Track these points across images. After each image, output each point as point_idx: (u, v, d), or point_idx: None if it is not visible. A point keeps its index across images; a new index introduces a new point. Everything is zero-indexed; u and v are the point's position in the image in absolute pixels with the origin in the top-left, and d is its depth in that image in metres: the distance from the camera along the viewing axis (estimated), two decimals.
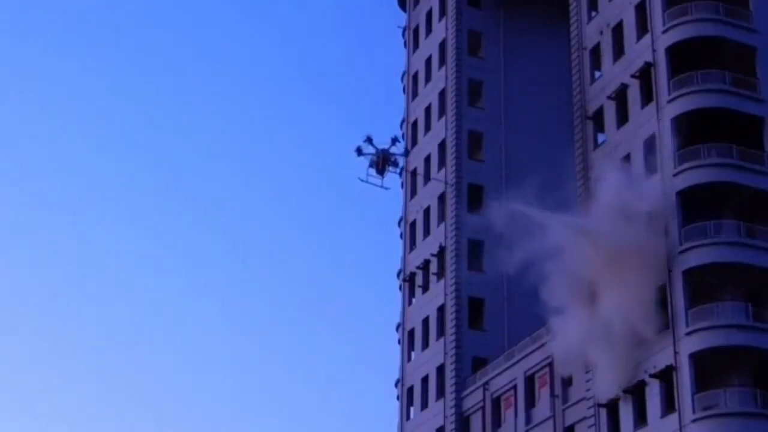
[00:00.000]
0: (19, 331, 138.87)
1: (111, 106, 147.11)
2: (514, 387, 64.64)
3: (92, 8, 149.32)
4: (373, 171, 59.21)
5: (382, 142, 69.26)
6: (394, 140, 58.43)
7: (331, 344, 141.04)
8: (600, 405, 56.68)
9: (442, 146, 76.47)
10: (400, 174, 70.04)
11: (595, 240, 55.72)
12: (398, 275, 78.58)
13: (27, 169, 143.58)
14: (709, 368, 52.95)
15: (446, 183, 73.15)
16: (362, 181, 58.29)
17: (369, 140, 56.89)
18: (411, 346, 75.85)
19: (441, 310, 72.43)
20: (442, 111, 77.87)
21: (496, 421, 66.10)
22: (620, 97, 61.51)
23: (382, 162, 56.40)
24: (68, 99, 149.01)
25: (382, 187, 59.85)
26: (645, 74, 59.96)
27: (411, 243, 77.80)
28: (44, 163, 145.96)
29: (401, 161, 60.57)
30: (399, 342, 77.07)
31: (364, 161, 62.39)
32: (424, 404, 72.56)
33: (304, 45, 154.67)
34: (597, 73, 64.86)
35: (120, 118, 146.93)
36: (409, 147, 79.12)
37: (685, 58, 58.79)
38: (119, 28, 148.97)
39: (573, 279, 56.34)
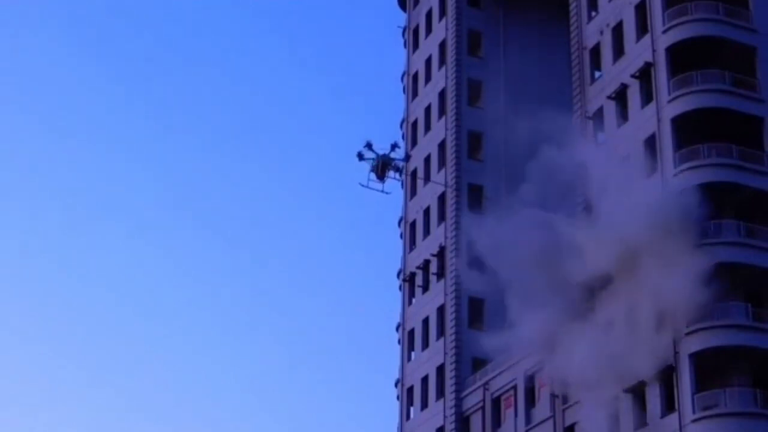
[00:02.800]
0: (19, 334, 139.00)
1: (111, 107, 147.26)
2: (514, 387, 64.63)
3: (93, 11, 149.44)
4: (373, 176, 59.44)
5: (383, 146, 69.22)
6: (394, 146, 58.60)
7: (331, 344, 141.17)
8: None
9: (442, 146, 76.46)
10: (400, 174, 70.14)
11: (606, 241, 55.41)
12: (398, 275, 78.57)
13: (26, 172, 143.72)
14: (709, 368, 52.94)
15: (446, 185, 73.09)
16: (363, 186, 58.46)
17: (369, 146, 57.10)
18: (411, 346, 75.84)
19: (441, 310, 72.42)
20: (442, 111, 77.86)
21: (496, 421, 66.08)
22: (620, 97, 61.51)
23: (382, 167, 56.47)
24: (69, 101, 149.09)
25: (382, 192, 60.00)
26: (645, 74, 59.97)
27: (411, 243, 77.79)
28: (46, 166, 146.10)
29: (402, 166, 60.87)
30: (399, 342, 77.06)
31: (366, 165, 62.51)
32: (424, 404, 72.55)
33: (303, 45, 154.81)
34: (597, 73, 64.87)
35: (120, 120, 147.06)
36: (409, 147, 79.08)
37: (685, 58, 58.80)
38: (120, 27, 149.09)
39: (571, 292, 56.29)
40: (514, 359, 64.92)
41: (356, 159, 59.19)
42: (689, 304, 52.41)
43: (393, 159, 56.98)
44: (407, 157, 57.36)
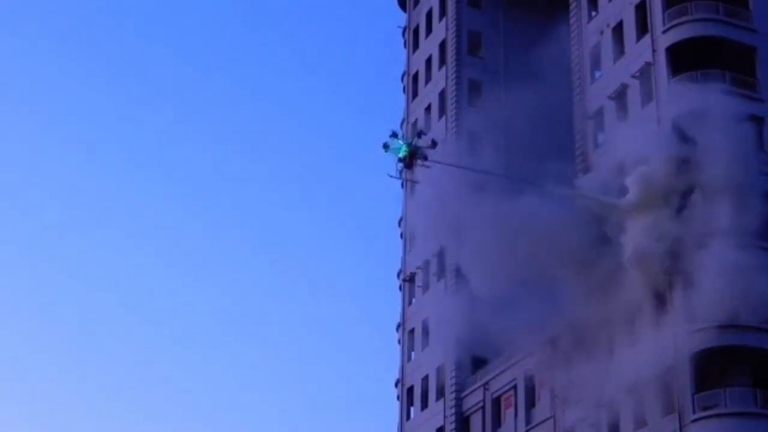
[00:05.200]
0: (19, 335, 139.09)
1: (113, 108, 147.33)
2: (514, 387, 64.64)
3: (94, 10, 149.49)
4: (401, 166, 58.69)
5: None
6: (420, 133, 57.66)
7: (331, 344, 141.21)
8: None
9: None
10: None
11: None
12: (398, 275, 78.54)
13: (26, 173, 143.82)
14: (709, 368, 52.94)
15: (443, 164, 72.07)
16: (392, 177, 57.65)
17: (395, 135, 56.08)
18: (411, 346, 75.84)
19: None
20: (442, 111, 77.88)
21: (496, 421, 66.12)
22: (620, 97, 61.53)
23: (410, 156, 55.65)
24: (70, 102, 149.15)
25: (412, 181, 59.55)
26: (645, 74, 59.99)
27: (411, 243, 77.77)
28: (45, 167, 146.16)
29: (429, 154, 59.89)
30: (399, 342, 77.05)
31: (390, 158, 61.20)
32: (424, 404, 72.55)
33: (303, 45, 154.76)
34: (597, 73, 64.91)
35: (122, 121, 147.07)
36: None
37: (685, 58, 58.79)
38: (122, 28, 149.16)
39: None
40: (514, 359, 64.95)
41: (382, 150, 58.08)
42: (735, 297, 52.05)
43: (420, 147, 56.03)
44: (434, 144, 55.94)
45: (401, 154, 55.05)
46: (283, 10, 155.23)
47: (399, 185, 78.97)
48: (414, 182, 57.92)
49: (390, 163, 56.82)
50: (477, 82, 77.73)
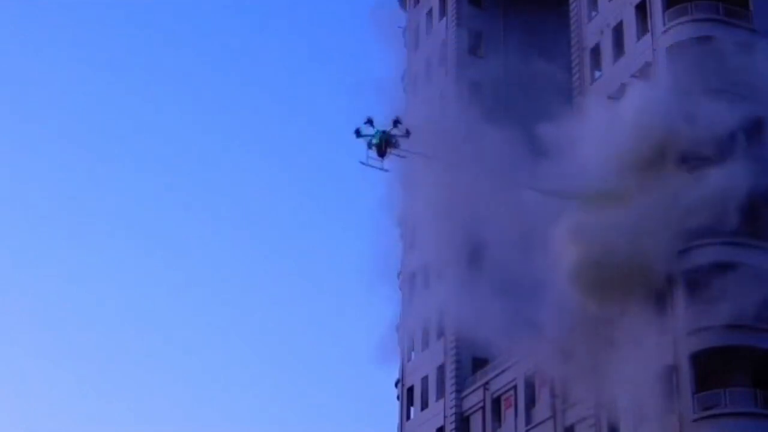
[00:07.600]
0: (20, 338, 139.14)
1: (112, 106, 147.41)
2: (514, 387, 64.63)
3: (90, 10, 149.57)
4: (373, 153, 57.83)
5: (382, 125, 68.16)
6: (396, 122, 56.65)
7: (331, 344, 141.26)
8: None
9: None
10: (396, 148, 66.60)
11: None
12: (398, 275, 78.42)
13: (27, 177, 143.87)
14: (709, 368, 52.94)
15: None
16: (363, 164, 56.84)
17: (370, 122, 55.21)
18: (411, 346, 75.81)
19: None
20: (442, 110, 77.83)
21: (496, 421, 66.13)
22: (620, 97, 61.45)
23: (384, 144, 54.82)
24: (70, 104, 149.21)
25: (382, 169, 58.71)
26: (645, 74, 59.96)
27: (411, 242, 77.71)
28: (46, 170, 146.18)
29: (402, 143, 59.26)
30: (399, 342, 76.99)
31: (364, 142, 60.70)
32: (424, 404, 72.56)
33: (302, 45, 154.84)
34: (597, 73, 64.90)
35: (118, 118, 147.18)
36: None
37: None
38: (121, 27, 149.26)
39: None
40: (514, 359, 64.93)
41: (351, 143, 57.48)
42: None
43: (394, 135, 55.12)
44: (408, 133, 54.84)
45: (374, 141, 54.27)
46: (282, 9, 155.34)
47: (400, 185, 78.85)
48: (384, 170, 57.06)
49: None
50: (477, 81, 77.70)
